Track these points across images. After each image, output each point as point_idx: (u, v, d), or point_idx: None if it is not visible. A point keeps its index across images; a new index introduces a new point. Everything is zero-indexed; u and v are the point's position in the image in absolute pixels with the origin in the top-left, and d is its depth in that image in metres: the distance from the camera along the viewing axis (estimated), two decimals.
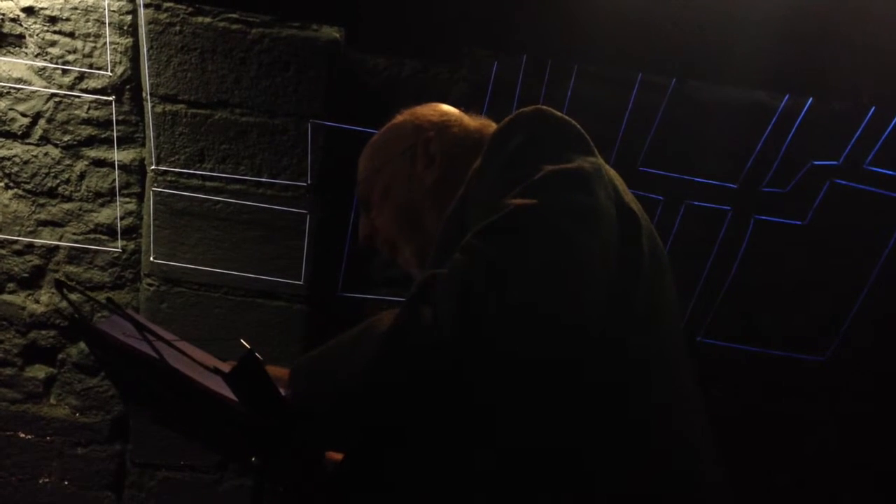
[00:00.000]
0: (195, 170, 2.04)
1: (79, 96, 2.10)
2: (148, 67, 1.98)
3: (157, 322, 1.77)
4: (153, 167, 2.04)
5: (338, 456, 1.11)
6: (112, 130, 2.12)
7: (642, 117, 2.10)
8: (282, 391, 0.91)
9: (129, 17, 2.06)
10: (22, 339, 2.22)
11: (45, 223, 2.18)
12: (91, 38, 2.08)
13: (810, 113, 2.09)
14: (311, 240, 2.07)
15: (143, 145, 2.13)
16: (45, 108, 2.12)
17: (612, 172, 0.99)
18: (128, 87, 2.11)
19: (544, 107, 0.99)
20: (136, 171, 2.17)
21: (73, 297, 2.20)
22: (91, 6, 2.06)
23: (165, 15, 1.95)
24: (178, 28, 1.96)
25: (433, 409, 0.85)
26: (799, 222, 2.21)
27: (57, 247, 2.20)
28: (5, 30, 2.06)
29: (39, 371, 2.24)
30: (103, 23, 2.06)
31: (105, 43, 2.07)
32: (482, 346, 0.78)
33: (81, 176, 2.17)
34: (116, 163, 2.14)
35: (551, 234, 0.82)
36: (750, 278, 2.22)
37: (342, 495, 0.98)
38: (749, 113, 2.14)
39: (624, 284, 0.88)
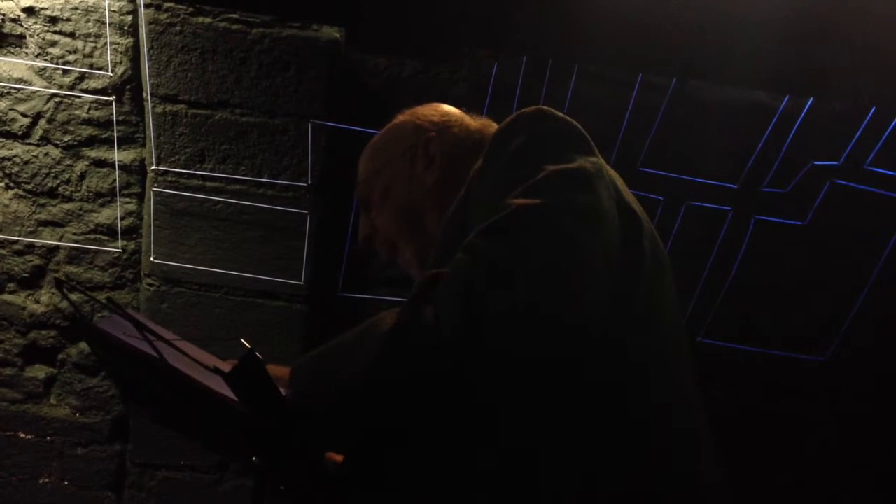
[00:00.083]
0: (195, 170, 2.04)
1: (79, 96, 2.11)
2: (148, 67, 1.98)
3: (158, 322, 1.77)
4: (153, 167, 2.04)
5: (338, 457, 1.11)
6: (112, 131, 2.12)
7: (643, 117, 2.10)
8: (282, 391, 0.91)
9: (129, 18, 2.06)
10: (22, 340, 2.22)
11: (45, 223, 2.18)
12: (91, 39, 2.08)
13: (811, 113, 2.09)
14: (311, 240, 2.07)
15: (144, 145, 2.13)
16: (45, 108, 2.12)
17: (613, 173, 0.99)
18: (128, 87, 2.11)
19: (545, 107, 0.99)
20: (136, 171, 2.17)
21: (74, 296, 2.20)
22: (91, 6, 2.06)
23: (166, 15, 1.95)
24: (178, 28, 1.96)
25: (434, 409, 0.85)
26: (799, 222, 2.21)
27: (57, 247, 2.20)
28: (6, 30, 2.06)
29: (39, 371, 2.24)
30: (104, 23, 2.06)
31: (105, 43, 2.07)
32: (484, 345, 0.79)
33: (82, 176, 2.17)
34: (117, 163, 2.14)
35: (553, 234, 0.82)
36: (750, 278, 2.22)
37: (343, 495, 0.98)
38: (749, 113, 2.14)
39: (625, 285, 0.88)
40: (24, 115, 2.11)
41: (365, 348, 0.87)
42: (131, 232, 2.20)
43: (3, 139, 2.13)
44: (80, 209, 2.19)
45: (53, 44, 2.08)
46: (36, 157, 2.15)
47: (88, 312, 2.15)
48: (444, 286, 0.82)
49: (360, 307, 2.21)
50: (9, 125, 2.12)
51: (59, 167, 2.16)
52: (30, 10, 2.05)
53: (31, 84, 2.09)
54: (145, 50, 1.97)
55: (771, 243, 2.21)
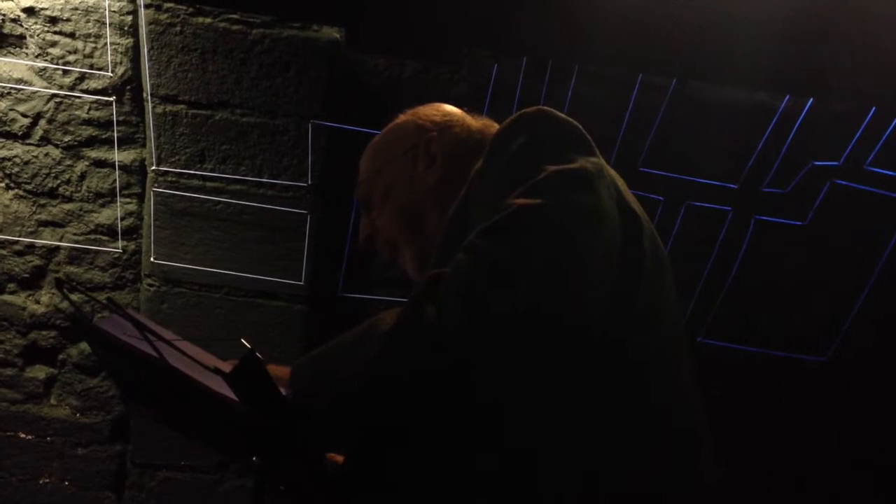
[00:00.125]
0: (196, 170, 2.04)
1: (79, 97, 2.11)
2: (148, 68, 1.98)
3: (158, 322, 1.78)
4: (154, 168, 2.04)
5: (339, 457, 1.11)
6: (113, 131, 2.12)
7: (643, 118, 2.10)
8: (282, 391, 0.91)
9: (129, 18, 2.06)
10: (22, 340, 2.22)
11: (45, 223, 2.18)
12: (92, 39, 2.08)
13: (811, 113, 2.09)
14: (311, 240, 2.07)
15: (144, 146, 2.13)
16: (45, 108, 2.12)
17: (614, 173, 0.99)
18: (128, 87, 2.11)
19: (546, 108, 0.99)
20: (136, 171, 2.17)
21: (74, 296, 2.20)
22: (92, 7, 2.06)
23: (166, 15, 1.95)
24: (178, 28, 1.96)
25: (435, 409, 0.85)
26: (799, 223, 2.21)
27: (57, 247, 2.20)
28: (6, 30, 2.07)
29: (40, 371, 2.24)
30: (104, 23, 2.06)
31: (106, 43, 2.07)
32: (485, 345, 0.79)
33: (82, 176, 2.17)
34: (117, 163, 2.14)
35: (554, 235, 0.82)
36: (750, 279, 2.22)
37: (343, 495, 0.98)
38: (749, 113, 2.14)
39: (625, 285, 0.88)
40: (24, 115, 2.12)
41: (365, 348, 0.87)
42: (131, 232, 2.20)
43: (4, 139, 2.13)
44: (81, 209, 2.19)
45: (53, 44, 2.08)
46: (36, 157, 2.15)
47: (89, 313, 2.15)
48: (446, 286, 0.82)
49: (360, 307, 2.21)
50: (9, 125, 2.12)
51: (60, 167, 2.16)
52: (30, 11, 2.05)
53: (31, 84, 2.10)
54: (145, 50, 1.97)
55: (771, 243, 2.21)
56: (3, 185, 2.16)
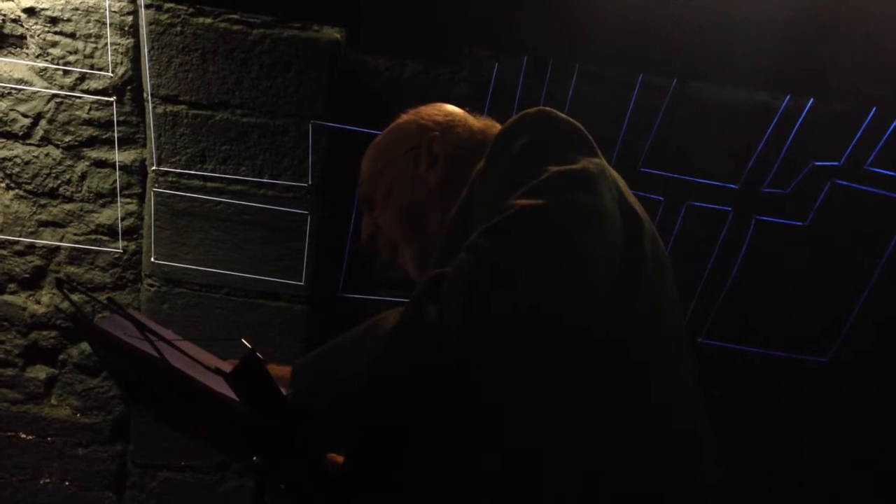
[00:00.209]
0: (196, 170, 2.04)
1: (80, 97, 2.11)
2: (149, 68, 1.98)
3: (159, 323, 1.78)
4: (154, 168, 2.04)
5: (340, 457, 1.11)
6: (113, 131, 2.12)
7: (643, 118, 2.10)
8: (283, 391, 0.91)
9: (129, 18, 2.06)
10: (23, 340, 2.22)
11: (46, 224, 2.19)
12: (92, 39, 2.08)
13: (811, 114, 2.09)
14: (312, 241, 2.07)
15: (144, 146, 2.13)
16: (46, 108, 2.12)
17: (615, 174, 0.99)
18: (129, 87, 2.12)
19: (548, 108, 0.99)
20: (137, 171, 2.17)
21: (75, 296, 2.20)
22: (92, 7, 2.06)
23: (166, 16, 1.96)
24: (179, 29, 1.96)
25: (437, 409, 0.85)
26: (800, 223, 2.21)
27: (58, 247, 2.20)
28: (6, 30, 2.07)
29: (40, 372, 2.24)
30: (104, 23, 2.06)
31: (106, 44, 2.07)
32: (486, 345, 0.79)
33: (82, 176, 2.17)
34: (117, 163, 2.15)
35: (556, 235, 0.82)
36: (751, 279, 2.22)
37: (344, 495, 0.98)
38: (750, 114, 2.14)
39: (626, 286, 0.88)
40: (24, 115, 2.12)
41: (367, 348, 0.87)
42: (132, 232, 2.20)
43: (4, 140, 2.13)
44: (81, 210, 2.19)
45: (54, 44, 2.08)
46: (37, 157, 2.15)
47: (89, 313, 2.15)
48: (448, 286, 0.82)
49: (360, 308, 2.21)
50: (9, 126, 2.12)
51: (60, 168, 2.16)
52: (30, 11, 2.05)
53: (31, 84, 2.10)
54: (146, 50, 1.97)
55: (772, 244, 2.21)
56: (3, 185, 2.16)
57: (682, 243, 2.15)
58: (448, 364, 0.80)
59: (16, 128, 2.12)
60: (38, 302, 2.22)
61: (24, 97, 2.11)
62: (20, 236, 2.18)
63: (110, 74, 2.09)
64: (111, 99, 2.10)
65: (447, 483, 0.86)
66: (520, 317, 0.78)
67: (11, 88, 2.09)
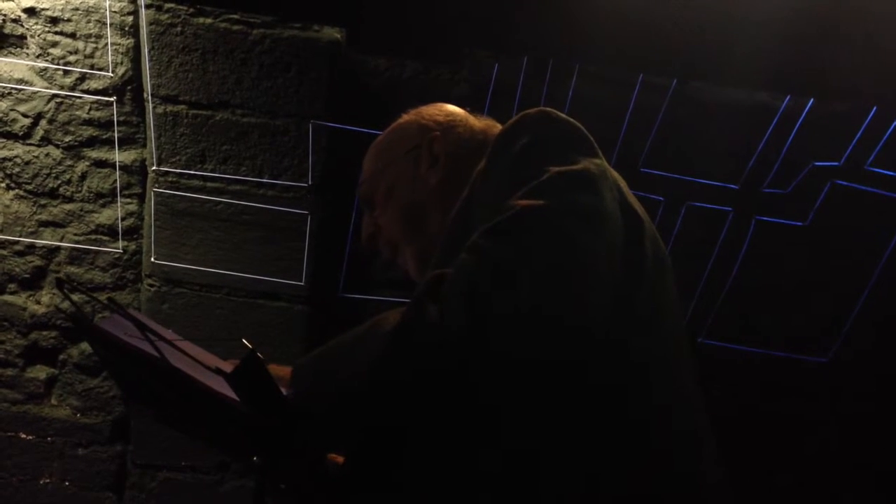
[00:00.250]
0: (196, 170, 2.04)
1: (80, 97, 2.11)
2: (149, 68, 1.98)
3: (159, 323, 1.78)
4: (154, 168, 2.04)
5: (340, 458, 1.11)
6: (113, 131, 2.12)
7: (643, 118, 2.10)
8: (283, 391, 0.91)
9: (130, 18, 2.06)
10: (23, 340, 2.22)
11: (46, 224, 2.19)
12: (92, 39, 2.08)
13: (811, 114, 2.09)
14: (312, 241, 2.07)
15: (145, 146, 2.13)
16: (46, 108, 2.12)
17: (616, 174, 0.99)
18: (129, 87, 2.12)
19: (549, 109, 0.99)
20: (137, 171, 2.17)
21: (75, 296, 2.20)
22: (92, 7, 2.06)
23: (166, 16, 1.96)
24: (179, 29, 1.96)
25: (438, 409, 0.85)
26: (800, 223, 2.21)
27: (58, 247, 2.20)
28: (7, 30, 2.07)
29: (40, 372, 2.24)
30: (104, 23, 2.06)
31: (106, 44, 2.07)
32: (487, 345, 0.79)
33: (83, 177, 2.17)
34: (117, 163, 2.15)
35: (557, 236, 0.83)
36: (751, 279, 2.22)
37: (344, 495, 0.98)
38: (750, 114, 2.15)
39: (627, 286, 0.88)
40: (24, 115, 2.12)
41: (367, 348, 0.87)
42: (132, 232, 2.20)
43: (4, 140, 2.13)
44: (81, 210, 2.19)
45: (54, 44, 2.08)
46: (37, 157, 2.15)
47: (89, 313, 2.15)
48: (449, 286, 0.82)
49: (361, 308, 2.21)
50: (10, 126, 2.12)
51: (60, 168, 2.16)
52: (31, 11, 2.05)
53: (31, 84, 2.10)
54: (146, 50, 1.97)
55: (772, 244, 2.21)
56: (3, 185, 2.16)
57: (682, 243, 2.15)
58: (449, 364, 0.80)
59: (16, 128, 2.12)
60: (38, 302, 2.22)
61: (24, 97, 2.11)
62: (20, 236, 2.18)
63: (110, 74, 2.09)
64: (111, 99, 2.10)
65: (448, 483, 0.86)
66: (521, 317, 0.78)
67: (12, 88, 2.09)
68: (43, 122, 2.13)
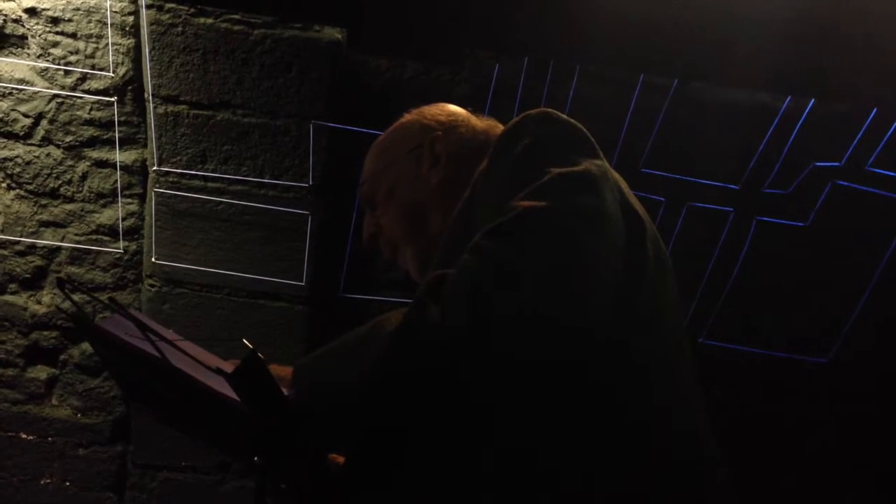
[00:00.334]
0: (197, 171, 2.04)
1: (81, 97, 2.11)
2: (150, 68, 1.98)
3: (159, 323, 1.78)
4: (155, 168, 2.04)
5: (341, 459, 1.11)
6: (114, 131, 2.12)
7: (644, 118, 2.10)
8: (284, 391, 0.91)
9: (131, 18, 2.07)
10: (24, 340, 2.22)
11: (46, 224, 2.19)
12: (93, 39, 2.09)
13: (812, 114, 2.09)
14: (312, 241, 2.07)
15: (145, 146, 2.13)
16: (47, 108, 2.12)
17: (616, 175, 0.99)
18: (130, 87, 2.12)
19: (550, 110, 0.99)
20: (137, 171, 2.17)
21: (76, 296, 2.20)
22: (93, 7, 2.06)
23: (167, 16, 1.96)
24: (180, 29, 1.96)
25: (439, 409, 0.85)
26: (801, 224, 2.21)
27: (59, 247, 2.20)
28: (7, 31, 2.07)
29: (41, 372, 2.24)
30: (105, 24, 2.06)
31: (107, 44, 2.08)
32: (489, 346, 0.79)
33: (83, 177, 2.17)
34: (118, 163, 2.15)
35: (559, 237, 0.83)
36: (752, 279, 2.22)
37: (345, 495, 0.98)
38: (751, 114, 2.15)
39: (628, 287, 0.88)
40: (25, 115, 2.12)
41: (369, 348, 0.87)
42: (133, 233, 2.20)
43: (5, 140, 2.13)
44: (82, 210, 2.19)
45: (55, 44, 2.08)
46: (38, 157, 2.15)
47: (90, 313, 2.15)
48: (451, 286, 0.82)
49: (361, 308, 2.21)
50: (11, 126, 2.12)
51: (61, 168, 2.16)
52: (32, 11, 2.06)
53: (32, 85, 2.10)
54: (147, 51, 1.97)
55: (772, 244, 2.21)
56: (4, 185, 2.16)
57: (683, 244, 2.15)
58: (450, 364, 0.80)
59: (17, 128, 2.12)
60: (38, 302, 2.22)
61: (25, 97, 2.11)
62: (21, 236, 2.18)
63: (111, 75, 2.09)
64: (112, 99, 2.10)
65: (448, 483, 0.86)
66: (522, 318, 0.78)
67: (13, 88, 2.09)
68: (44, 123, 2.13)
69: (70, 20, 2.07)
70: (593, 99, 2.08)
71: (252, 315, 2.11)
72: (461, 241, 0.88)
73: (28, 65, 2.08)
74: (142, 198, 2.18)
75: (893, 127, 2.11)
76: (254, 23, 1.98)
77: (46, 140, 2.14)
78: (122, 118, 2.13)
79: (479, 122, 1.20)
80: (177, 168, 2.04)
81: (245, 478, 2.19)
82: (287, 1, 1.98)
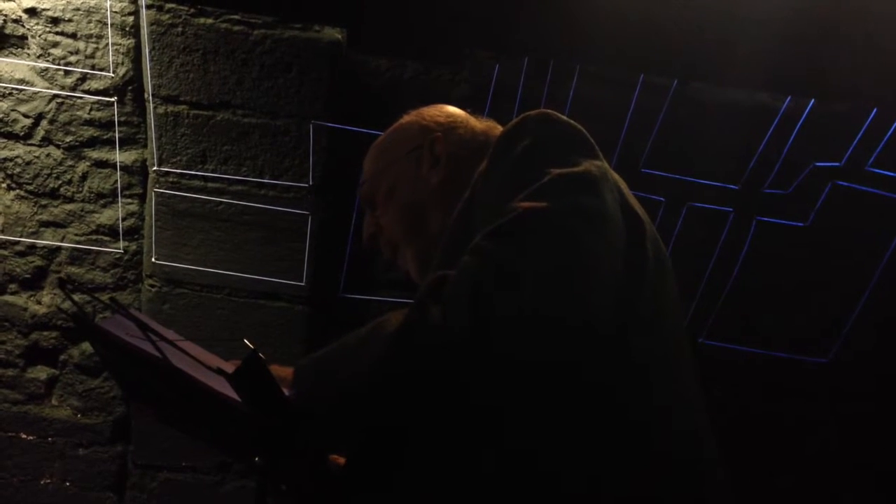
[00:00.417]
0: (197, 171, 2.04)
1: (81, 97, 2.11)
2: (150, 68, 1.98)
3: (160, 323, 1.78)
4: (155, 168, 2.04)
5: (341, 460, 1.11)
6: (114, 131, 2.12)
7: (644, 118, 2.10)
8: (285, 391, 0.91)
9: (131, 19, 2.07)
10: (24, 340, 2.22)
11: (46, 224, 2.19)
12: (93, 39, 2.09)
13: (812, 114, 2.09)
14: (312, 241, 2.07)
15: (145, 146, 2.14)
16: (47, 109, 2.12)
17: (616, 176, 0.99)
18: (130, 88, 2.12)
19: (550, 111, 0.99)
20: (137, 172, 2.17)
21: (76, 296, 2.20)
22: (93, 7, 2.06)
23: (167, 16, 1.96)
24: (180, 29, 1.96)
25: (440, 410, 0.85)
26: (801, 224, 2.21)
27: (59, 248, 2.20)
28: (7, 31, 2.07)
29: (41, 372, 2.24)
30: (105, 24, 2.06)
31: (107, 44, 2.08)
32: (490, 346, 0.79)
33: (83, 177, 2.17)
34: (118, 164, 2.15)
35: (560, 238, 0.83)
36: (752, 280, 2.22)
37: (345, 496, 0.98)
38: (751, 114, 2.15)
39: (629, 288, 0.88)
40: (25, 115, 2.12)
41: (370, 349, 0.87)
42: (133, 233, 2.20)
43: (5, 140, 2.13)
44: (82, 210, 2.19)
45: (55, 45, 2.08)
46: (38, 157, 2.15)
47: (91, 313, 2.15)
48: (452, 287, 0.82)
49: (361, 308, 2.21)
50: (10, 126, 2.12)
51: (61, 168, 2.16)
52: (32, 11, 2.06)
53: (32, 85, 2.10)
54: (147, 51, 1.97)
55: (772, 244, 2.21)
56: (4, 185, 2.16)
57: (683, 244, 2.15)
58: (451, 365, 0.80)
59: (17, 128, 2.12)
60: (38, 302, 2.22)
61: (25, 97, 2.11)
62: (21, 236, 2.18)
63: (111, 75, 2.09)
64: (112, 99, 2.10)
65: (449, 484, 0.87)
66: (523, 319, 0.78)
67: (13, 89, 2.09)
68: (44, 123, 2.13)
69: (70, 20, 2.07)
70: (593, 99, 2.08)
71: (252, 315, 2.11)
72: (461, 242, 0.88)
73: (28, 65, 2.08)
74: (142, 198, 2.18)
75: (893, 127, 2.11)
76: (254, 23, 1.98)
77: (46, 140, 2.14)
78: (122, 118, 2.13)
79: (478, 124, 1.20)
80: (177, 168, 2.04)
81: (245, 478, 2.19)
82: (287, 1, 1.98)
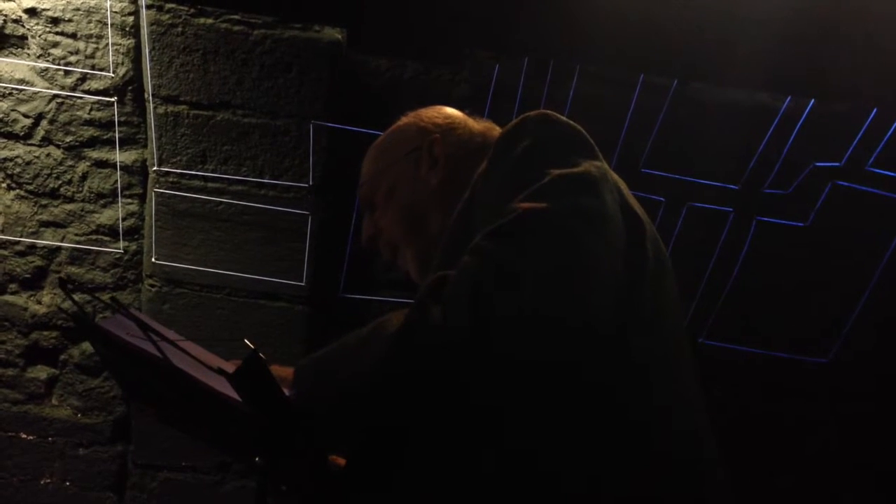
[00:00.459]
0: (197, 171, 2.04)
1: (81, 97, 2.11)
2: (150, 68, 1.98)
3: (160, 323, 1.78)
4: (155, 168, 2.04)
5: (342, 460, 1.12)
6: (114, 131, 2.12)
7: (644, 119, 2.10)
8: (285, 391, 0.91)
9: (131, 19, 2.07)
10: (24, 340, 2.22)
11: (47, 224, 2.19)
12: (93, 40, 2.09)
13: (812, 114, 2.09)
14: (312, 241, 2.07)
15: (145, 146, 2.14)
16: (47, 109, 2.12)
17: (616, 176, 0.99)
18: (130, 88, 2.12)
19: (550, 111, 0.99)
20: (137, 172, 2.17)
21: (77, 296, 2.20)
22: (93, 7, 2.06)
23: (167, 16, 1.96)
24: (180, 29, 1.96)
25: (440, 410, 0.85)
26: (801, 224, 2.21)
27: (59, 248, 2.20)
28: (7, 31, 2.07)
29: (41, 372, 2.24)
30: (105, 24, 2.06)
31: (107, 44, 2.08)
32: (490, 347, 0.79)
33: (83, 177, 2.17)
34: (118, 164, 2.15)
35: (560, 238, 0.83)
36: (752, 280, 2.22)
37: (346, 496, 0.98)
38: (751, 114, 2.15)
39: (629, 288, 0.88)
40: (25, 115, 2.12)
41: (370, 349, 0.87)
42: (133, 233, 2.20)
43: (5, 140, 2.13)
44: (82, 210, 2.19)
45: (55, 45, 2.08)
46: (38, 157, 2.15)
47: (91, 313, 2.15)
48: (452, 287, 0.83)
49: (361, 308, 2.21)
50: (11, 126, 2.12)
51: (61, 168, 2.16)
52: (32, 11, 2.06)
53: (32, 85, 2.10)
54: (147, 51, 1.97)
55: (772, 244, 2.21)
56: (4, 185, 2.16)
57: (682, 244, 2.15)
58: (452, 365, 0.81)
59: (17, 128, 2.12)
60: (38, 302, 2.22)
61: (25, 97, 2.11)
62: (21, 236, 2.18)
63: (111, 75, 2.09)
64: (112, 99, 2.10)
65: (449, 484, 0.87)
66: (523, 319, 0.78)
67: (13, 89, 2.09)
68: (44, 123, 2.13)
69: (70, 20, 2.07)
70: (593, 99, 2.08)
71: (252, 315, 2.11)
72: (461, 242, 0.89)
73: (28, 65, 2.08)
74: (142, 198, 2.18)
75: (893, 127, 2.11)
76: (254, 23, 1.98)
77: (46, 140, 2.14)
78: (122, 118, 2.13)
79: (476, 125, 1.21)
80: (177, 168, 2.04)
81: (246, 478, 2.19)
82: (287, 1, 1.98)
